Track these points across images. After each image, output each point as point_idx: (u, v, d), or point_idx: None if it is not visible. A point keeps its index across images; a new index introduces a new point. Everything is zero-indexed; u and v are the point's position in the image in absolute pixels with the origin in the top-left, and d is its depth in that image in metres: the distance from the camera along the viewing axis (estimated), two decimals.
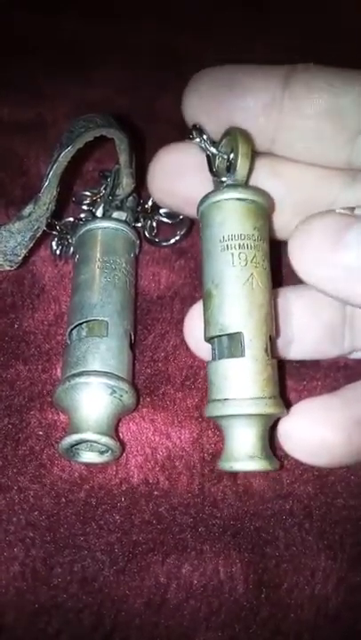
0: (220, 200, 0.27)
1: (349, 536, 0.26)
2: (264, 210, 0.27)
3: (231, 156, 0.27)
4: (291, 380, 0.30)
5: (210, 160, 0.29)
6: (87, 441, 0.26)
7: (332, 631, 0.24)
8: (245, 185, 0.27)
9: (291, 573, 0.25)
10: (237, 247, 0.26)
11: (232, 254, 0.26)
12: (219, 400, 0.25)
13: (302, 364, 0.31)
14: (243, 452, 0.24)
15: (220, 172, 0.28)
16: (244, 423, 0.25)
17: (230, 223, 0.26)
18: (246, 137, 0.27)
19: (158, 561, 0.25)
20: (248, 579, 0.25)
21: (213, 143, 0.29)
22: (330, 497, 0.27)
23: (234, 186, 0.27)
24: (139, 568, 0.25)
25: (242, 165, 0.27)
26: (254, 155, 0.28)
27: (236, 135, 0.27)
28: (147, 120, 0.42)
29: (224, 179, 0.28)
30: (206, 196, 0.27)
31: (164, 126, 0.41)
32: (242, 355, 0.25)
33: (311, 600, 0.25)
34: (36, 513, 0.25)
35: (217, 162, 0.29)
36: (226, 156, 0.28)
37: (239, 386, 0.24)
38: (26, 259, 0.31)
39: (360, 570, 0.26)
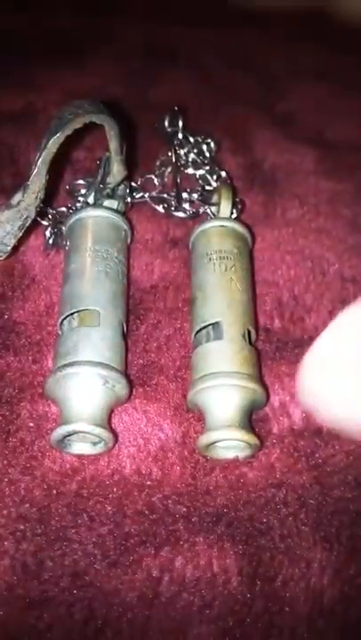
0: (205, 228, 0.31)
1: (346, 528, 0.26)
2: (243, 236, 0.32)
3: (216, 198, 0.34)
4: (285, 365, 0.30)
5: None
6: (80, 432, 0.25)
7: (328, 624, 0.24)
8: (228, 218, 0.33)
9: (286, 566, 0.25)
10: (218, 259, 0.30)
11: (213, 264, 0.30)
12: (196, 379, 0.27)
13: (298, 344, 0.31)
14: (219, 423, 0.25)
15: (206, 198, 0.35)
16: (221, 396, 0.26)
17: (213, 242, 0.31)
18: (228, 189, 0.34)
19: (151, 554, 0.24)
20: (242, 571, 0.24)
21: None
22: (326, 488, 0.27)
23: (217, 218, 0.33)
24: (131, 561, 0.24)
25: (225, 206, 0.33)
26: (235, 199, 0.34)
27: (220, 187, 0.34)
28: (140, 108, 0.42)
29: (208, 210, 0.35)
30: (195, 228, 0.32)
31: (157, 114, 0.40)
32: (220, 338, 0.27)
33: (306, 593, 0.24)
34: (26, 505, 0.25)
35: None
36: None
37: (216, 362, 0.27)
38: (15, 248, 0.30)
39: (356, 562, 0.25)
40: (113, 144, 0.29)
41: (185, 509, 0.25)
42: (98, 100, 0.29)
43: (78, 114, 0.27)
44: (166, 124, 0.39)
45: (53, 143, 0.26)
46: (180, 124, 0.39)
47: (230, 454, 0.27)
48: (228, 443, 0.27)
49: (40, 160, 0.27)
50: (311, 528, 0.25)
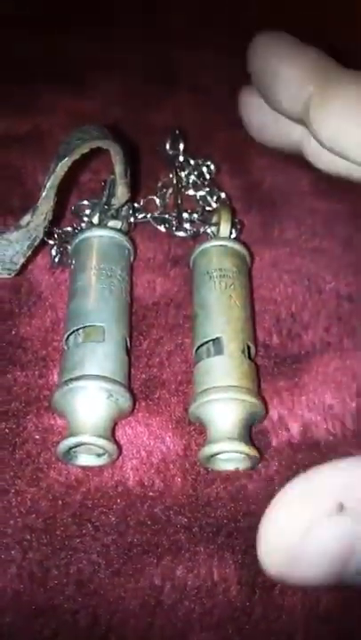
0: (206, 247, 0.33)
1: None
2: (242, 255, 0.33)
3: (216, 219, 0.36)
4: (283, 380, 0.31)
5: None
6: (85, 444, 0.26)
7: (325, 631, 0.25)
8: (227, 238, 0.34)
9: None
10: (218, 277, 0.31)
11: (214, 282, 0.31)
12: (198, 393, 0.28)
13: (296, 359, 0.32)
14: (220, 435, 0.26)
15: (206, 219, 0.37)
16: (222, 409, 0.27)
17: (213, 261, 0.32)
18: (227, 210, 0.35)
19: (153, 563, 0.25)
20: (241, 580, 0.25)
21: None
22: None
23: (217, 238, 0.34)
24: (134, 570, 0.25)
25: (224, 227, 0.34)
26: (234, 219, 0.36)
27: (220, 208, 0.36)
28: (141, 131, 0.43)
29: (209, 230, 0.36)
30: (196, 247, 0.33)
31: (158, 137, 0.42)
32: (220, 353, 0.28)
33: (303, 601, 0.25)
34: (32, 516, 0.26)
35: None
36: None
37: (216, 376, 0.28)
38: (24, 267, 0.32)
39: None
40: (118, 168, 0.30)
41: (186, 520, 0.26)
42: (103, 125, 0.30)
43: (85, 139, 0.28)
44: (168, 146, 0.41)
45: (61, 167, 0.28)
46: (181, 146, 0.40)
47: (231, 466, 0.28)
48: (229, 455, 0.28)
49: (49, 183, 0.28)
50: None
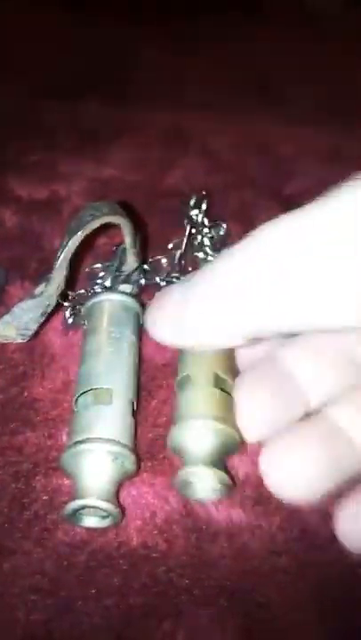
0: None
1: (344, 599, 0.27)
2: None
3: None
4: None
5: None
6: (90, 506, 0.27)
7: None
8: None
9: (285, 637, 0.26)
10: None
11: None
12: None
13: None
14: (194, 460, 0.27)
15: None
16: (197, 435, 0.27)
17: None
18: None
19: (153, 626, 0.26)
20: None
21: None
22: (325, 559, 0.28)
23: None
24: (135, 633, 0.25)
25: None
26: None
27: None
28: (154, 194, 0.46)
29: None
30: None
31: (171, 200, 0.44)
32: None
33: None
34: (38, 576, 0.27)
35: None
36: None
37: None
38: (37, 331, 0.33)
39: (354, 637, 0.26)
40: (128, 239, 0.32)
41: (188, 582, 0.27)
42: (114, 202, 0.32)
43: (96, 215, 0.30)
44: (181, 209, 0.43)
45: (73, 242, 0.30)
46: (194, 211, 0.42)
47: (204, 495, 0.28)
48: (202, 481, 0.28)
49: (62, 256, 0.30)
50: (311, 598, 0.27)
